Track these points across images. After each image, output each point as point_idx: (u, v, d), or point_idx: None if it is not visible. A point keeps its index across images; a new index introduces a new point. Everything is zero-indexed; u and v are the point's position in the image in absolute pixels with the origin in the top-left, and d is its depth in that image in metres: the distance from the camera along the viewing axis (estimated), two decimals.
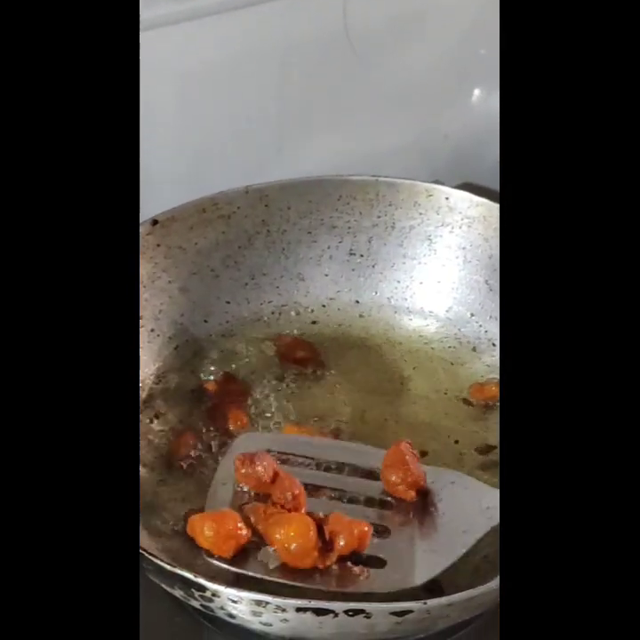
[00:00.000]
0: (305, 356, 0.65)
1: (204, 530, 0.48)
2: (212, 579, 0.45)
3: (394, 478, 0.53)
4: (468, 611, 0.48)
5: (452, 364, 0.65)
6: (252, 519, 0.49)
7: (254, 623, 0.47)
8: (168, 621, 0.54)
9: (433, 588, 0.49)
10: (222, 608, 0.46)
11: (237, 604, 0.45)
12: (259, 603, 0.44)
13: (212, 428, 0.60)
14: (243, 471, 0.51)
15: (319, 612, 0.44)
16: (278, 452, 0.54)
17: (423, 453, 0.57)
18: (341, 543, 0.48)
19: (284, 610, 0.44)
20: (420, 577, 0.48)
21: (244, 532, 0.48)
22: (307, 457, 0.55)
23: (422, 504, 0.52)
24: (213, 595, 0.45)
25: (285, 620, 0.45)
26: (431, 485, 0.53)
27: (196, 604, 0.47)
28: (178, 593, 0.48)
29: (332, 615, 0.44)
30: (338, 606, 0.44)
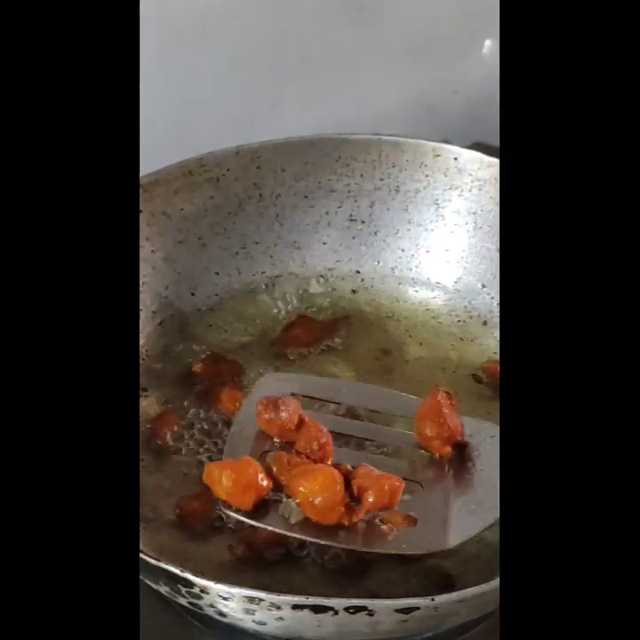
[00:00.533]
0: (302, 333, 0.64)
1: (222, 479, 0.47)
2: (201, 574, 0.44)
3: (428, 432, 0.51)
4: (480, 608, 0.47)
5: (462, 339, 0.64)
6: (274, 469, 0.48)
7: (247, 622, 0.46)
8: (154, 620, 0.53)
9: (444, 584, 0.49)
10: (212, 605, 0.45)
11: (228, 601, 0.44)
12: (251, 600, 0.43)
13: (202, 411, 0.58)
14: (265, 416, 0.50)
15: (317, 609, 0.43)
16: (303, 396, 0.53)
17: None
18: (370, 499, 0.47)
19: (278, 607, 0.43)
20: (454, 538, 0.47)
21: (265, 483, 0.47)
22: (335, 402, 0.53)
23: (458, 458, 0.51)
24: (202, 591, 0.44)
25: (280, 619, 0.44)
26: (469, 439, 0.52)
27: (183, 601, 0.46)
28: (163, 589, 0.47)
29: (331, 613, 0.43)
30: (338, 603, 0.43)
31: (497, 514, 0.47)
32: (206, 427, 0.58)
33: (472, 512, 0.48)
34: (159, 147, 0.66)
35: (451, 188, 0.66)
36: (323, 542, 0.47)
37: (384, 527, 0.47)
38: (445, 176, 0.66)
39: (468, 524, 0.48)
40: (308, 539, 0.47)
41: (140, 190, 0.61)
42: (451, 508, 0.49)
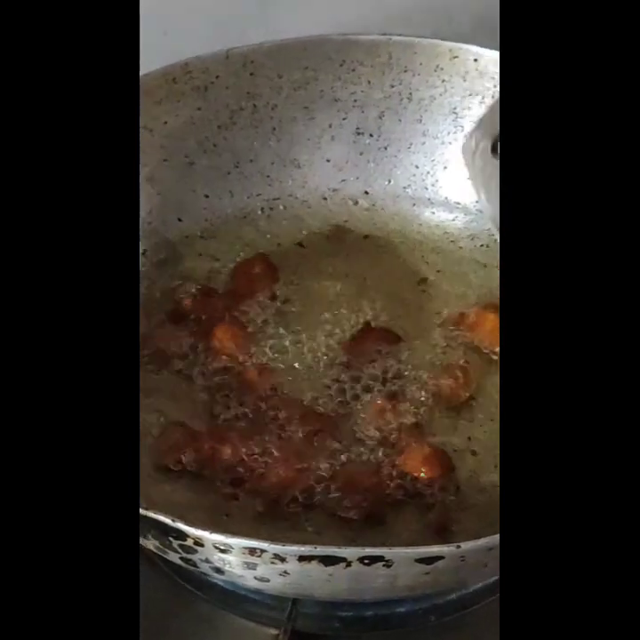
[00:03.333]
0: (302, 258, 0.63)
1: None
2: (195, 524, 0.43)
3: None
4: None
5: (485, 265, 0.64)
6: None
7: (247, 579, 0.45)
8: (142, 586, 0.52)
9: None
10: (207, 560, 0.44)
11: (226, 554, 0.43)
12: (252, 551, 0.43)
13: (191, 350, 0.58)
14: None
15: (327, 560, 0.42)
16: None
17: None
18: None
19: (283, 559, 0.42)
20: None
21: None
22: None
23: None
24: (196, 543, 0.43)
25: (285, 573, 0.43)
26: None
27: (174, 557, 0.46)
28: (152, 544, 0.46)
29: (343, 565, 0.42)
30: (351, 553, 0.42)
31: None
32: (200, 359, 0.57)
33: None
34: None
35: (470, 95, 0.65)
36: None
37: None
38: (464, 81, 0.64)
39: None
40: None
41: None
42: None
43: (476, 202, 0.65)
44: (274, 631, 0.51)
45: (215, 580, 0.52)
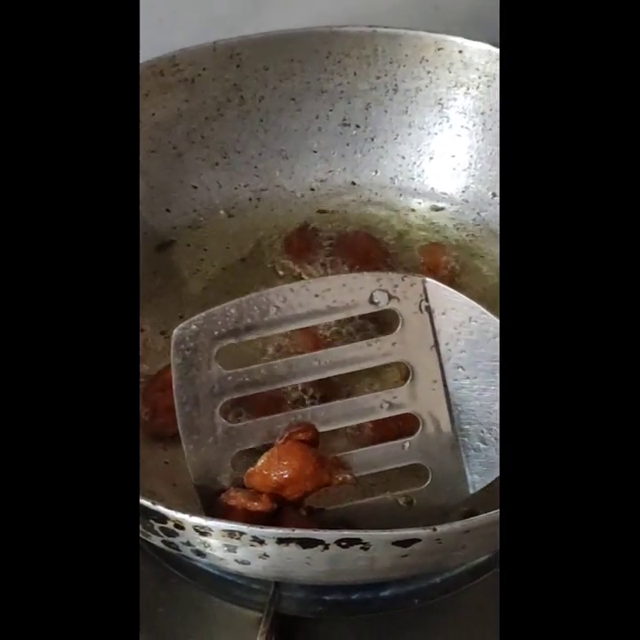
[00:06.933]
0: (293, 248, 0.63)
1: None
2: (176, 506, 0.44)
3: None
4: (488, 542, 0.46)
5: (472, 255, 0.64)
6: None
7: (229, 562, 0.45)
8: None
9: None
10: (188, 543, 0.45)
11: (206, 537, 0.44)
12: (231, 534, 0.43)
13: None
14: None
15: (305, 543, 0.42)
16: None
17: None
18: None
19: (262, 542, 0.42)
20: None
21: None
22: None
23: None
24: (176, 526, 0.44)
25: (265, 556, 0.43)
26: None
27: (157, 540, 0.46)
28: None
29: (321, 547, 0.42)
30: (328, 536, 0.42)
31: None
32: None
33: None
34: None
35: (456, 86, 0.65)
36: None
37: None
38: (449, 72, 0.65)
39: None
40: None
41: None
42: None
43: (462, 191, 0.66)
44: (258, 614, 0.51)
45: (200, 565, 0.52)
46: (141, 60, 0.62)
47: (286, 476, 0.48)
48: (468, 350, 0.50)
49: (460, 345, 0.50)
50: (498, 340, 0.49)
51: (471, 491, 0.49)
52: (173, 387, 0.49)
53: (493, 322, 0.50)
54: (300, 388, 0.54)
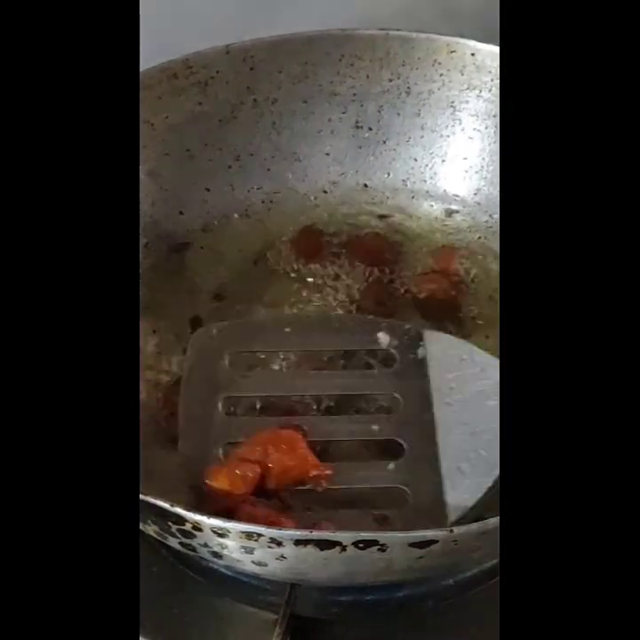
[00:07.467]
0: (302, 251, 0.63)
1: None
2: (194, 508, 0.44)
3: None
4: None
5: (484, 257, 0.64)
6: None
7: (246, 563, 0.45)
8: (143, 572, 0.52)
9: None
10: (206, 545, 0.45)
11: (223, 538, 0.44)
12: (249, 535, 0.43)
13: None
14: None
15: (323, 544, 0.42)
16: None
17: None
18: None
19: (279, 543, 0.43)
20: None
21: None
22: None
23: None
24: (194, 528, 0.44)
25: (282, 558, 0.44)
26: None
27: (174, 542, 0.46)
28: (152, 530, 0.46)
29: (338, 549, 0.43)
30: (346, 537, 0.42)
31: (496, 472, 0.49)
32: None
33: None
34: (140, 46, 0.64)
35: (468, 88, 0.65)
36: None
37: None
38: (462, 74, 0.65)
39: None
40: None
41: None
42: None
43: (475, 194, 0.66)
44: (273, 616, 0.51)
45: (215, 566, 0.52)
46: (154, 64, 0.63)
47: (275, 453, 0.50)
48: (457, 388, 0.54)
49: (451, 383, 0.54)
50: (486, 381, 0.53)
51: (450, 519, 0.49)
52: (182, 380, 0.52)
53: (482, 361, 0.54)
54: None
